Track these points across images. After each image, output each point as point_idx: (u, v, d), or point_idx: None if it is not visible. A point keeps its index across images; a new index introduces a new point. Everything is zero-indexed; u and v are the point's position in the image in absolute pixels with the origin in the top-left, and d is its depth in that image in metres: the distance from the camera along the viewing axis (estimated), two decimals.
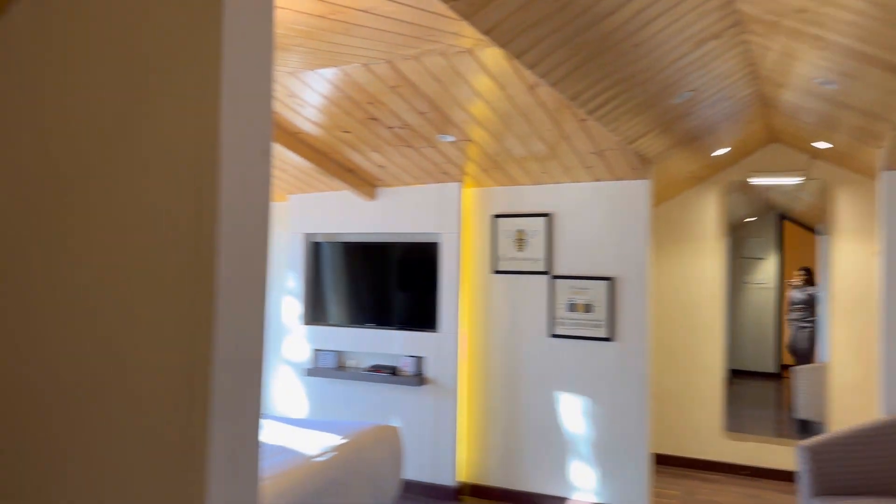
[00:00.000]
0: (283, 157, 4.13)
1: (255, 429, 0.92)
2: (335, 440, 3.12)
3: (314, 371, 4.73)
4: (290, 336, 4.88)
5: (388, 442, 3.39)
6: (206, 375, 0.84)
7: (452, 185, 4.38)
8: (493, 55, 2.61)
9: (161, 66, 0.90)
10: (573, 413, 4.17)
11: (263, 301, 0.92)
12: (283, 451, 2.93)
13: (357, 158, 4.09)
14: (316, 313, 4.84)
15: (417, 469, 4.42)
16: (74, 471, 0.93)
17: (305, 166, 4.17)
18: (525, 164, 3.98)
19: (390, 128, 3.57)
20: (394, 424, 3.71)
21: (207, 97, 0.85)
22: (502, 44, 2.21)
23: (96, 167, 0.99)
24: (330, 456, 2.91)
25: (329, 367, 4.72)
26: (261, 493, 2.31)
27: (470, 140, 3.67)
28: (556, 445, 4.21)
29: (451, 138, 3.64)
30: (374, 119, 3.47)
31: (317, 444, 3.05)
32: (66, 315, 1.00)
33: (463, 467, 4.44)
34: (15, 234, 1.10)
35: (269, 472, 2.62)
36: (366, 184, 4.53)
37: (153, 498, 0.87)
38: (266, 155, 0.93)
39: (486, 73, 2.82)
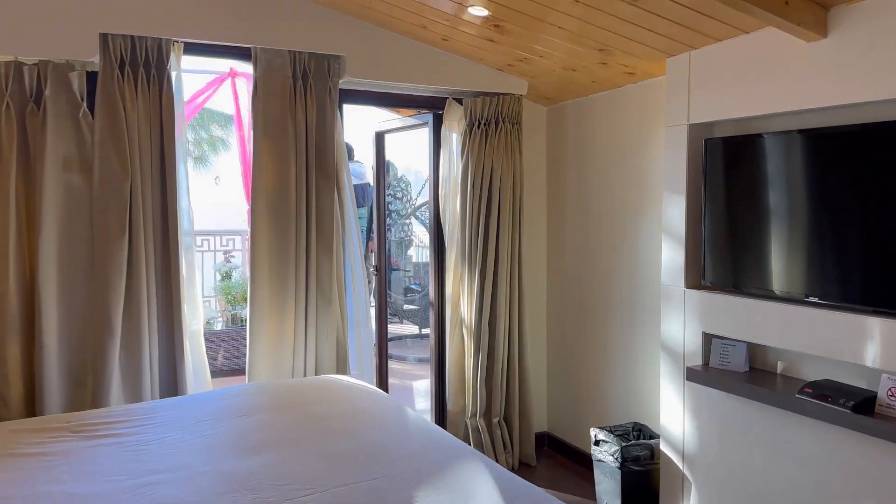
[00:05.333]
0: None
1: None
2: None
3: (701, 375, 2.63)
4: (669, 308, 2.86)
5: None
6: None
7: None
8: None
9: None
10: None
11: None
12: None
13: None
14: (713, 271, 2.69)
15: None
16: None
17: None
18: None
19: None
20: None
21: None
22: None
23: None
24: None
25: (733, 372, 2.57)
26: None
27: None
28: None
29: None
30: None
31: None
32: None
33: None
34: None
35: None
36: (808, 5, 2.15)
37: None
38: None
39: None
